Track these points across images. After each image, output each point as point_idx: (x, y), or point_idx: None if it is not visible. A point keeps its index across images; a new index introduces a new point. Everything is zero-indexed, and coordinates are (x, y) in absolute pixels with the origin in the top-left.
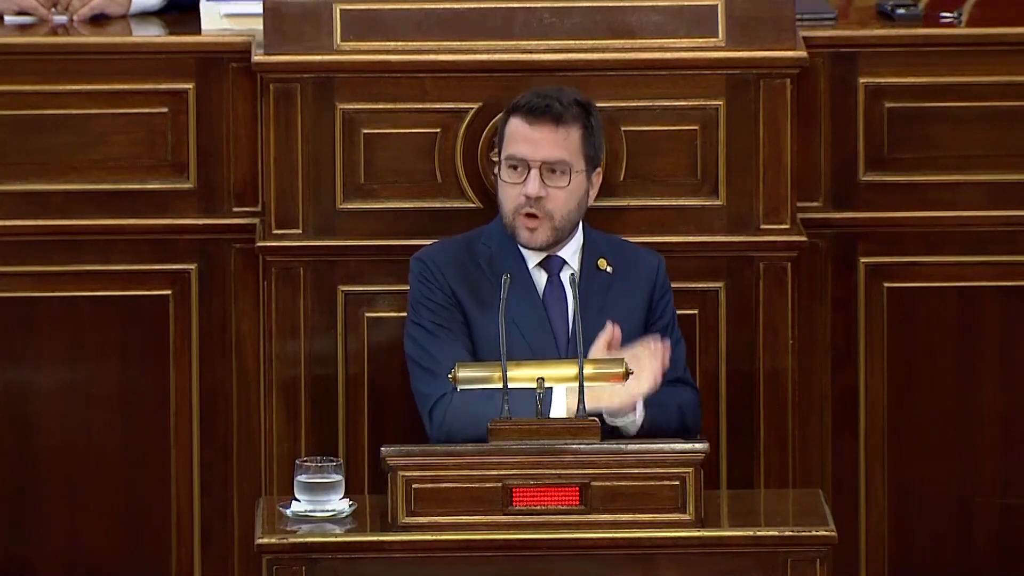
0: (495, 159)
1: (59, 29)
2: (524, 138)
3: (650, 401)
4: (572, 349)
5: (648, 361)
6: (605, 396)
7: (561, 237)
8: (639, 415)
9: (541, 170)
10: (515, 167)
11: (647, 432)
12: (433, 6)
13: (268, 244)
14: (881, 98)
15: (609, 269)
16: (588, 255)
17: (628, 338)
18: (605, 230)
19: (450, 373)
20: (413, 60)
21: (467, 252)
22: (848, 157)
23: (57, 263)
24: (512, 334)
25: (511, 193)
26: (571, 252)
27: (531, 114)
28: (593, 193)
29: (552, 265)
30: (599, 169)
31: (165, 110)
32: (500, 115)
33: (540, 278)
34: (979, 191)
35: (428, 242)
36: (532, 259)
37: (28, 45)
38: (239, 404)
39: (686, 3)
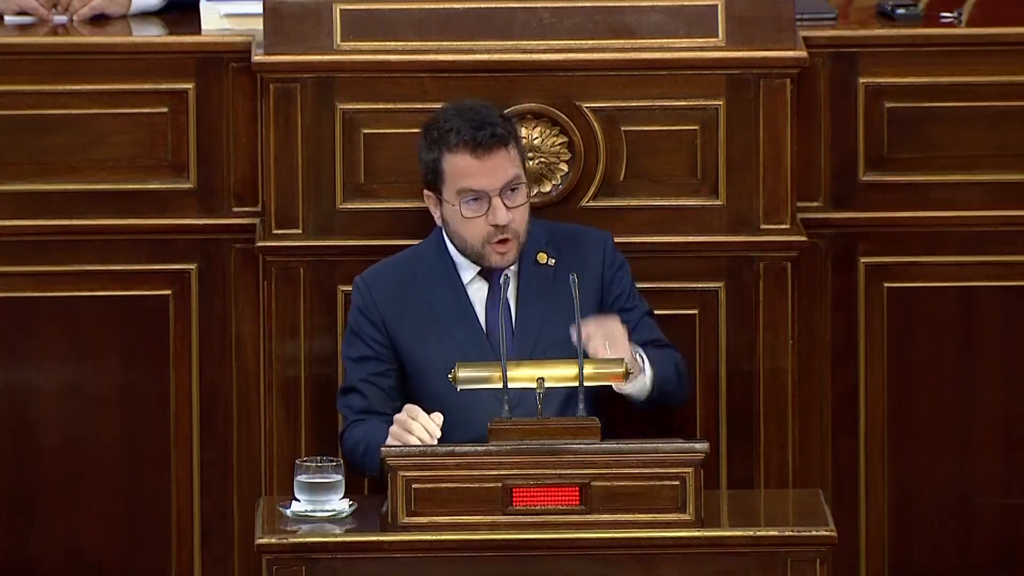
0: (433, 196)
1: (59, 29)
2: (477, 171)
3: (653, 360)
4: (516, 352)
5: (612, 329)
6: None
7: (523, 249)
8: (647, 376)
9: (502, 196)
10: (475, 199)
11: (656, 392)
12: (433, 6)
13: (268, 244)
14: (881, 98)
15: (551, 262)
16: (527, 250)
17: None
18: (603, 229)
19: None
20: (413, 60)
21: (406, 270)
22: (848, 157)
23: (57, 263)
24: (448, 349)
25: (474, 225)
26: None
27: (479, 146)
28: None
29: (490, 274)
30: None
31: (165, 110)
32: (426, 152)
33: (480, 288)
34: (979, 191)
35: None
36: (468, 272)
37: (28, 45)
38: (239, 404)
39: (686, 3)
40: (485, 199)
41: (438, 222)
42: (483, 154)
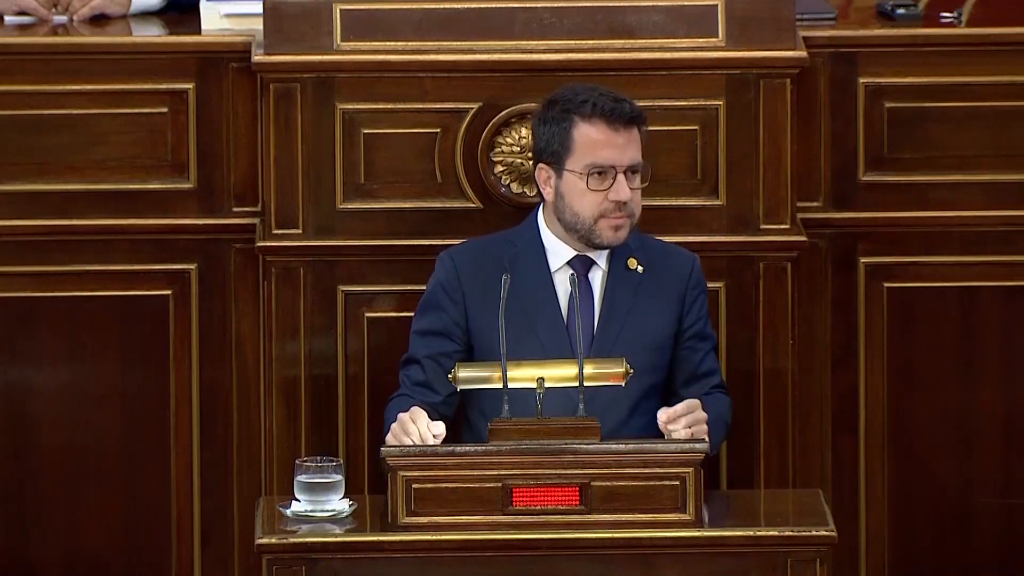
0: (547, 169)
1: (59, 29)
2: (609, 144)
3: (710, 423)
4: (595, 350)
5: (698, 417)
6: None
7: (632, 230)
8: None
9: (625, 173)
10: (600, 174)
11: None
12: (433, 6)
13: (268, 244)
14: (881, 98)
15: (640, 268)
16: (618, 253)
17: (658, 338)
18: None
19: (410, 384)
20: (413, 60)
21: (494, 251)
22: (848, 157)
23: (57, 263)
24: (527, 337)
25: (594, 199)
26: (600, 251)
27: (615, 119)
28: None
29: (580, 265)
30: None
31: (165, 110)
32: (551, 124)
33: (566, 279)
34: (979, 191)
35: (428, 243)
36: (558, 260)
37: (28, 45)
38: (239, 404)
39: (686, 3)
40: (610, 174)
41: (548, 198)
42: (619, 127)
